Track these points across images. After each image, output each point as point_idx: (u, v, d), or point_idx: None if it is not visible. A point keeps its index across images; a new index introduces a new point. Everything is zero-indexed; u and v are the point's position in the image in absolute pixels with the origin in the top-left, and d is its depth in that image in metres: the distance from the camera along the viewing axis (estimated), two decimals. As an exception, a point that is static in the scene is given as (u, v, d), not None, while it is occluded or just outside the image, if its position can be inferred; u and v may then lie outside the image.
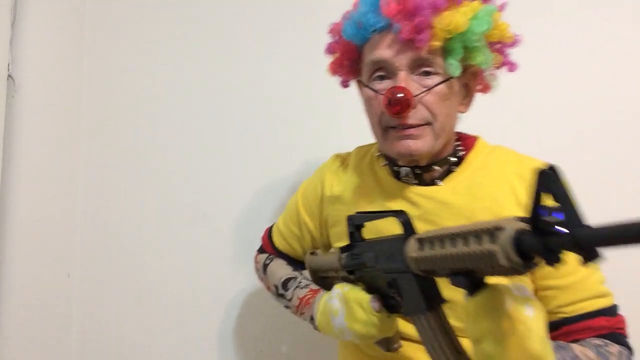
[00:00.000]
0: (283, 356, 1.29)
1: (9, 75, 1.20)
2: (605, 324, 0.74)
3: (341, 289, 0.78)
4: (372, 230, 0.78)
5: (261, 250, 1.08)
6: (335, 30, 0.84)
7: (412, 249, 0.60)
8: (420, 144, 0.76)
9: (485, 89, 0.85)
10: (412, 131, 0.75)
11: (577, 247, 0.41)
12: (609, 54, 1.17)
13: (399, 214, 0.66)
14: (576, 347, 0.68)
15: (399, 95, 0.71)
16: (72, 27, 1.41)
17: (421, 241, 0.59)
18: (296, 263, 1.01)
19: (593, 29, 1.18)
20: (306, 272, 0.96)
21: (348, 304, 0.75)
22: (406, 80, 0.74)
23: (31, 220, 1.25)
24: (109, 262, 1.39)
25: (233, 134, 1.36)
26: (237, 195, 1.33)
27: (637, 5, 1.16)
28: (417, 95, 0.74)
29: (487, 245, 0.48)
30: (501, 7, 0.77)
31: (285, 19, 1.33)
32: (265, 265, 1.02)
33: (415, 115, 0.74)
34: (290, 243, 1.00)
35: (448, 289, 0.61)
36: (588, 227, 0.41)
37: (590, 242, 0.41)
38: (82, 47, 1.44)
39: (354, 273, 0.78)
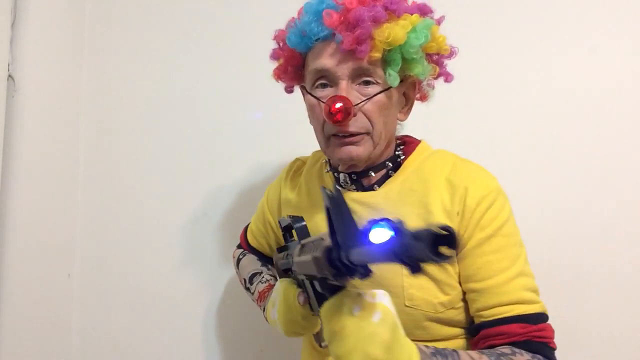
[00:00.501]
0: (285, 355, 1.29)
1: (9, 75, 1.20)
2: (520, 330, 0.73)
3: (280, 284, 0.82)
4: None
5: (239, 246, 1.15)
6: (279, 37, 0.86)
7: (295, 253, 0.65)
8: (361, 150, 0.79)
9: (424, 97, 0.89)
10: (352, 139, 0.78)
11: (350, 263, 0.45)
12: (605, 53, 1.17)
13: (295, 220, 0.72)
14: (466, 354, 0.68)
15: (339, 104, 0.74)
16: (72, 27, 1.41)
17: (301, 247, 0.63)
18: (267, 259, 1.08)
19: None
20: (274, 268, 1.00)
21: (280, 298, 0.79)
22: (347, 89, 0.76)
23: (31, 220, 1.25)
24: (109, 262, 1.40)
25: (233, 134, 1.36)
26: (236, 195, 1.33)
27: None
28: (357, 104, 0.76)
29: (308, 256, 0.52)
30: (439, 21, 0.81)
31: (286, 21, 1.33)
32: (239, 260, 1.09)
33: (356, 124, 0.77)
34: (259, 240, 1.07)
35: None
36: (356, 246, 0.45)
37: (354, 261, 0.45)
38: (82, 47, 1.44)
39: (291, 272, 0.82)
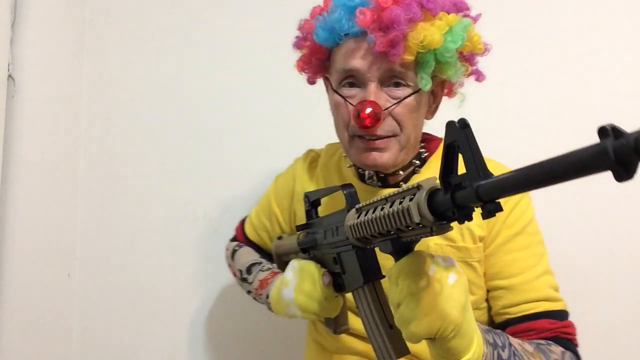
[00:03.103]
0: (285, 355, 1.29)
1: (9, 75, 1.20)
2: (548, 326, 0.74)
3: (297, 262, 0.80)
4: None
5: (234, 239, 1.10)
6: (305, 28, 0.82)
7: (350, 217, 0.62)
8: (386, 157, 0.76)
9: (450, 93, 0.86)
10: (378, 143, 0.75)
11: (478, 199, 0.42)
12: (607, 53, 1.17)
13: (345, 187, 0.69)
14: (513, 338, 0.67)
15: (368, 109, 0.71)
16: (72, 27, 1.40)
17: (359, 210, 0.60)
18: (265, 253, 1.03)
19: (593, 28, 1.18)
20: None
21: (300, 276, 0.76)
22: (376, 93, 0.73)
23: (31, 220, 1.25)
24: (109, 262, 1.39)
25: (233, 134, 1.36)
26: (236, 195, 1.33)
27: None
28: (386, 108, 0.73)
29: (406, 203, 0.49)
30: (475, 19, 0.77)
31: (286, 20, 1.33)
32: (234, 251, 1.04)
33: (383, 127, 0.74)
34: (260, 234, 1.03)
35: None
36: (488, 179, 0.41)
37: (487, 193, 0.41)
38: (82, 47, 1.43)
39: (309, 252, 0.80)
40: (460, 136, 0.43)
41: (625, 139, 0.31)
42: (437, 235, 0.49)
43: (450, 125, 0.45)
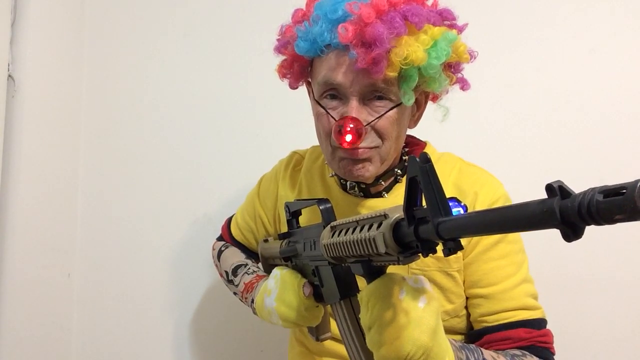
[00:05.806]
0: (285, 355, 1.29)
1: (9, 75, 1.20)
2: (525, 335, 0.74)
3: (279, 271, 0.80)
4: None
5: (220, 239, 1.10)
6: (286, 35, 0.80)
7: (325, 235, 0.61)
8: (367, 168, 0.76)
9: (435, 98, 0.84)
10: (361, 152, 0.74)
11: (439, 237, 0.42)
12: (606, 54, 1.17)
13: (321, 202, 0.68)
14: (487, 352, 0.68)
15: (349, 126, 0.70)
16: (72, 27, 1.40)
17: (334, 228, 0.60)
18: (250, 253, 1.03)
19: (589, 29, 1.18)
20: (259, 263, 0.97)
21: (281, 286, 0.76)
22: (358, 108, 0.72)
23: (31, 220, 1.25)
24: (109, 262, 1.39)
25: (233, 135, 1.36)
26: (236, 195, 1.33)
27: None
28: (369, 123, 0.73)
29: (373, 232, 0.49)
30: (461, 29, 0.75)
31: (288, 20, 1.33)
32: (220, 252, 1.04)
33: (366, 141, 0.73)
34: (246, 235, 1.03)
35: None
36: (448, 218, 0.41)
37: (447, 231, 0.41)
38: (82, 47, 1.43)
39: (291, 260, 0.80)
40: (421, 171, 0.43)
41: (571, 201, 0.31)
42: (404, 264, 0.49)
43: (411, 160, 0.44)
